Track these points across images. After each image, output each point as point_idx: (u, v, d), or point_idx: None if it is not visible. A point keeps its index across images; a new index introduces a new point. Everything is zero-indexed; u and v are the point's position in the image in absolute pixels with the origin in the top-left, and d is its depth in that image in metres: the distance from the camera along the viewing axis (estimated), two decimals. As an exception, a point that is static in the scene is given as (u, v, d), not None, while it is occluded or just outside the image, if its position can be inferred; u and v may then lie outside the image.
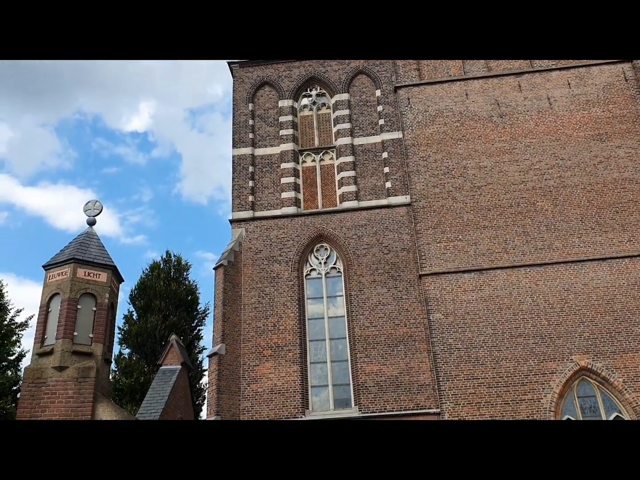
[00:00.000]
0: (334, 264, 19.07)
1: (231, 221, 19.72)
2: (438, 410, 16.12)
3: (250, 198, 19.91)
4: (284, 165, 20.38)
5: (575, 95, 19.81)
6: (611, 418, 15.68)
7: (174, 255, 24.98)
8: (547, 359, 16.31)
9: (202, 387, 23.60)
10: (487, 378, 16.30)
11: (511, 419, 15.53)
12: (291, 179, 20.16)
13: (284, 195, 19.89)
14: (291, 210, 19.64)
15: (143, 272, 24.63)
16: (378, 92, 21.11)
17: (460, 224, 18.51)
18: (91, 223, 10.99)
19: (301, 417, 16.59)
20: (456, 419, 15.89)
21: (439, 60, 20.89)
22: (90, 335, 9.85)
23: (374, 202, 19.48)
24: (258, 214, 19.73)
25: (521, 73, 20.30)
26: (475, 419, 15.79)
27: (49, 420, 8.08)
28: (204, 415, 19.10)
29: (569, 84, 19.92)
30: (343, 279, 18.72)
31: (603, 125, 19.20)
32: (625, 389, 15.68)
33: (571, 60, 19.97)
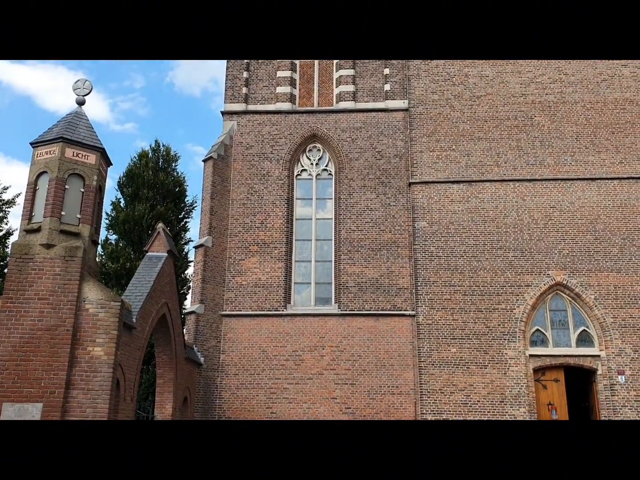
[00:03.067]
0: (326, 165, 18.97)
1: (223, 113, 19.31)
2: (413, 312, 16.77)
3: (244, 90, 19.38)
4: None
5: (589, 6, 18.97)
6: (578, 332, 16.45)
7: (163, 145, 24.58)
8: (524, 272, 16.80)
9: (188, 277, 24.11)
10: (463, 286, 16.84)
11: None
12: (288, 73, 19.56)
13: (279, 90, 19.38)
14: (286, 106, 19.21)
15: (132, 160, 24.38)
16: (384, -13, 19.99)
17: (455, 134, 18.32)
18: (80, 103, 10.72)
19: (283, 310, 17.19)
20: (429, 322, 16.58)
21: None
22: (78, 216, 9.92)
23: (371, 105, 19.08)
24: (251, 107, 19.30)
25: (536, -22, 19.27)
26: (448, 324, 16.49)
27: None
28: (188, 303, 19.69)
29: (584, -7, 19.04)
30: (333, 182, 18.71)
31: (613, 41, 18.56)
32: (596, 306, 16.34)
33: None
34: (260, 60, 19.71)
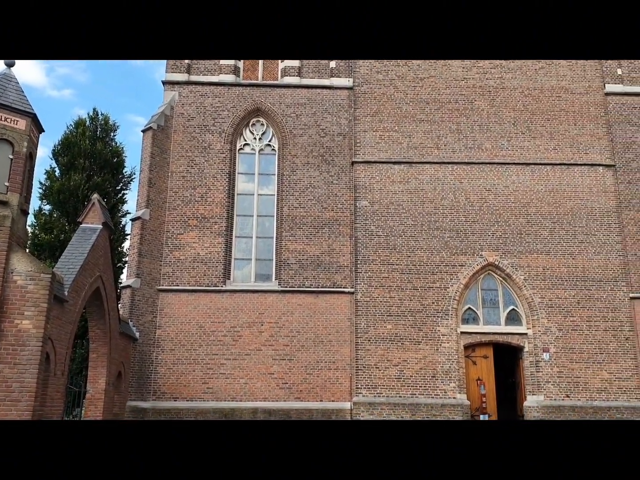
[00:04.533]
0: (269, 141, 18.80)
1: (164, 83, 18.76)
2: (352, 290, 17.03)
3: (187, 60, 18.84)
4: (225, 30, 19.19)
5: (530, -5, 19.44)
6: (507, 311, 17.16)
7: (102, 114, 23.67)
8: (459, 253, 17.32)
9: (125, 251, 23.51)
10: (401, 265, 17.20)
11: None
12: (232, 46, 19.13)
13: (223, 61, 18.95)
14: (229, 78, 18.85)
15: (68, 128, 23.36)
16: (333, -38, 19.81)
17: (398, 115, 18.51)
18: (9, 65, 10.16)
19: (222, 286, 17.07)
20: (367, 299, 16.89)
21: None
22: (6, 184, 9.47)
23: (316, 81, 18.98)
24: (193, 78, 18.82)
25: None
26: (385, 301, 16.85)
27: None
28: (124, 277, 19.23)
29: (526, -18, 19.47)
30: (277, 158, 18.59)
31: (551, 30, 19.13)
32: (525, 286, 17.06)
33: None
34: (204, 30, 19.16)
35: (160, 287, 16.97)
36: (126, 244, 23.37)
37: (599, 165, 17.95)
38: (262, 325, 16.80)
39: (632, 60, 18.92)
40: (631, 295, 16.93)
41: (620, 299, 16.93)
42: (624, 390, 16.30)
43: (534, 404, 16.22)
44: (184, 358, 16.51)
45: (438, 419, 15.74)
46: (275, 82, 19.04)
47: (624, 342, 16.64)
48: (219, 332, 16.75)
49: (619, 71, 18.81)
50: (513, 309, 17.21)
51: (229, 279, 17.41)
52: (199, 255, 17.30)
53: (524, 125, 18.33)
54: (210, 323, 16.81)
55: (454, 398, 16.13)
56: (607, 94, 18.55)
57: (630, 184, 17.82)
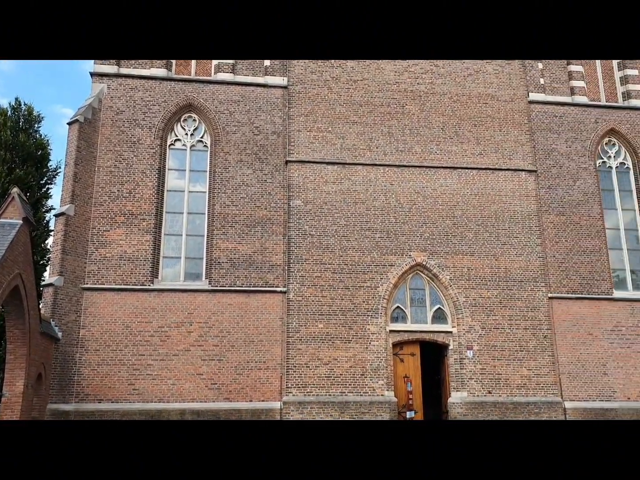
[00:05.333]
0: (201, 137, 18.49)
1: (92, 74, 18.10)
2: (285, 289, 17.03)
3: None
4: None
5: (460, 4, 20.06)
6: (434, 310, 17.65)
7: (25, 104, 22.55)
8: (389, 253, 17.66)
9: (49, 248, 22.52)
10: (333, 264, 17.36)
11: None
12: (164, 39, 18.69)
13: (155, 55, 18.47)
14: (161, 72, 18.41)
15: (-14, 117, 22.08)
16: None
17: (332, 116, 18.67)
18: None
19: (150, 285, 16.66)
20: (299, 298, 16.94)
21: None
22: None
23: (250, 79, 18.84)
24: (124, 70, 18.26)
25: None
26: (317, 300, 16.96)
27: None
28: (47, 275, 18.44)
29: (456, -9, 20.07)
30: (209, 154, 18.31)
31: (479, 39, 19.81)
32: (450, 286, 17.61)
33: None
34: (135, 21, 18.64)
35: (85, 285, 16.37)
36: (50, 240, 22.41)
37: (522, 170, 18.77)
38: (191, 325, 16.53)
39: (554, 71, 19.91)
40: (549, 295, 17.81)
41: (539, 299, 17.77)
42: (542, 387, 17.12)
43: (458, 400, 16.77)
44: (109, 359, 16.00)
45: (366, 416, 16.00)
46: (209, 77, 18.76)
47: (543, 340, 17.48)
48: (146, 332, 16.35)
49: (542, 81, 19.73)
50: (439, 308, 17.72)
51: (157, 278, 17.01)
52: (126, 253, 16.81)
53: (452, 130, 18.91)
54: (137, 323, 16.38)
55: (382, 395, 16.44)
56: (531, 102, 19.42)
57: (550, 189, 18.73)
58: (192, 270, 17.48)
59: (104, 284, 16.45)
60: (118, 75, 18.13)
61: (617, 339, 17.73)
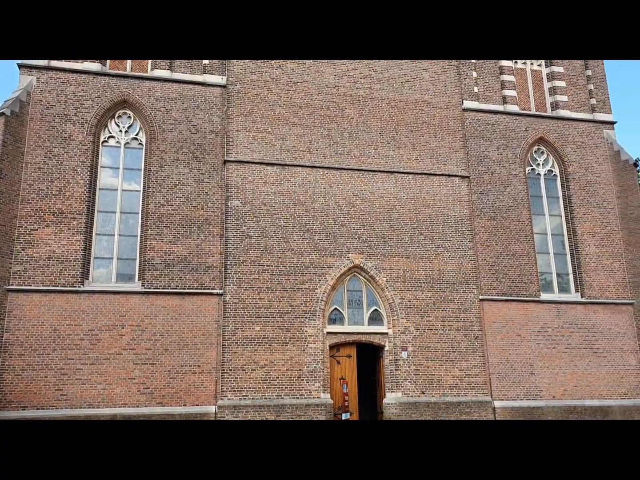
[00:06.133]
0: (136, 134, 17.99)
1: (20, 66, 17.27)
2: (221, 291, 16.80)
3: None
4: (91, 15, 18.11)
5: (399, 10, 20.41)
6: (371, 311, 17.87)
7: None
8: (327, 255, 17.74)
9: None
10: (271, 266, 17.28)
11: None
12: (98, 32, 18.08)
13: (88, 48, 17.85)
14: (95, 66, 17.79)
15: None
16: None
17: (272, 117, 18.58)
18: None
19: (79, 287, 16.07)
20: (236, 301, 16.77)
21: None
22: None
23: (188, 77, 18.49)
24: (55, 63, 17.52)
25: (355, -25, 20.16)
26: (255, 302, 16.83)
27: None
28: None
29: None
30: (144, 152, 17.84)
31: (417, 46, 20.22)
32: (387, 287, 17.87)
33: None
34: (67, 12, 17.96)
35: (10, 287, 15.60)
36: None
37: (455, 176, 19.28)
38: (123, 328, 16.05)
39: (487, 80, 20.56)
40: (480, 297, 18.37)
41: (470, 301, 18.30)
42: (473, 386, 17.64)
43: (393, 400, 17.04)
44: (35, 364, 15.32)
45: (302, 419, 16.01)
46: (145, 74, 18.28)
47: (474, 341, 18.01)
48: (76, 335, 15.76)
49: (476, 89, 20.33)
50: (376, 310, 17.95)
51: (88, 279, 16.43)
52: (54, 253, 16.14)
53: (389, 135, 19.21)
54: (65, 326, 15.76)
55: (318, 398, 16.49)
56: (465, 110, 19.98)
57: (482, 194, 19.32)
58: (124, 271, 16.99)
59: (30, 285, 15.73)
60: (48, 68, 17.39)
61: (544, 339, 18.50)
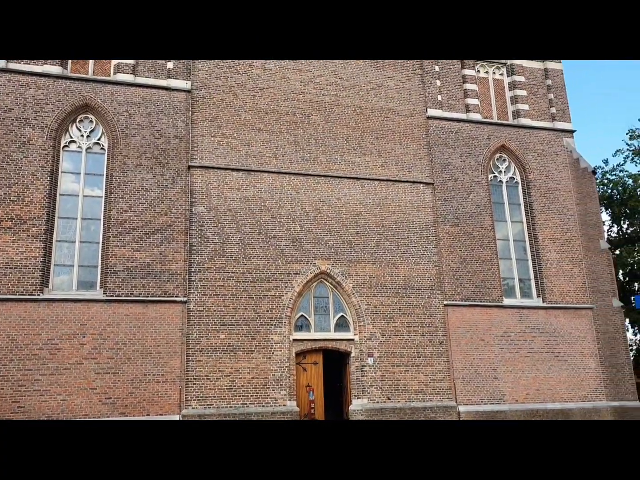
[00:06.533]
0: (98, 139, 17.65)
1: (-24, 68, 16.79)
2: (185, 299, 16.58)
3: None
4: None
5: (365, 18, 20.56)
6: (337, 317, 17.87)
7: None
8: (293, 261, 17.68)
9: None
10: (237, 273, 17.13)
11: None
12: (58, 35, 17.69)
13: (48, 51, 17.44)
14: (55, 69, 17.40)
15: None
16: (173, -40, 19.24)
17: (237, 122, 18.46)
18: None
19: (39, 295, 15.64)
20: (201, 308, 16.56)
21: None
22: None
23: (152, 81, 18.24)
24: (13, 65, 17.09)
25: (320, -18, 20.23)
26: (219, 310, 16.65)
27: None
28: None
29: (361, 5, 20.54)
30: (106, 157, 17.51)
31: (382, 54, 20.39)
32: (353, 294, 17.91)
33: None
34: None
35: (-36, 296, 15.10)
36: None
37: (420, 182, 19.47)
38: (84, 337, 15.68)
39: (451, 88, 20.86)
40: (445, 302, 18.57)
41: (435, 306, 18.48)
42: (438, 391, 17.79)
43: (359, 407, 17.05)
44: (-10, 375, 14.83)
45: (268, 426, 15.86)
46: (108, 78, 17.96)
47: (439, 346, 18.18)
48: (34, 345, 15.32)
49: (440, 97, 20.61)
50: (342, 316, 17.96)
51: (48, 287, 16.00)
52: (12, 260, 15.67)
53: (355, 142, 19.30)
54: (23, 335, 15.31)
55: (284, 405, 16.39)
56: (429, 118, 20.22)
57: (446, 201, 19.57)
58: (86, 278, 16.61)
59: (-14, 294, 15.24)
60: (6, 70, 16.94)
61: (507, 344, 18.80)
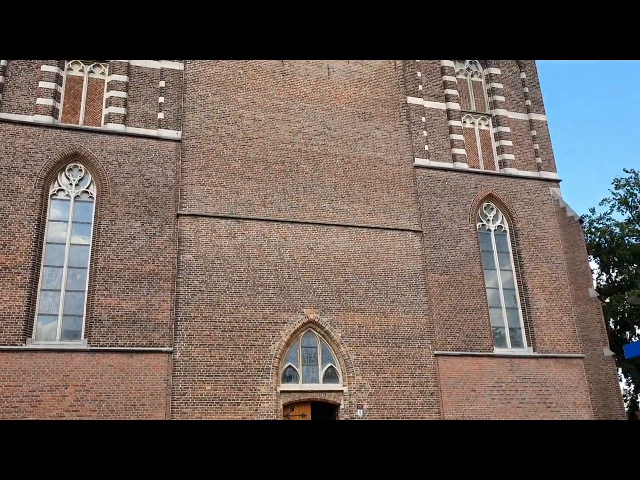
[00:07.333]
0: (87, 187, 17.68)
1: (-33, 117, 16.93)
2: (171, 349, 16.27)
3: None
4: (45, 68, 18.07)
5: (352, 71, 21.10)
6: (326, 368, 17.56)
7: None
8: (281, 310, 17.50)
9: None
10: (224, 322, 16.90)
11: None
12: (51, 85, 17.97)
13: (40, 101, 17.69)
14: (45, 119, 17.57)
15: None
16: (166, 15, 19.79)
17: (227, 171, 18.60)
18: None
19: (21, 345, 15.31)
20: (186, 359, 16.24)
21: (235, 1, 20.40)
22: None
23: (142, 131, 18.44)
24: (3, 115, 17.25)
25: (309, 36, 20.80)
26: (206, 360, 16.34)
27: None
28: None
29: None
30: (95, 206, 17.50)
31: (369, 105, 20.84)
32: (342, 343, 17.66)
33: (355, 37, 21.22)
34: (20, 67, 17.87)
35: (-57, 346, 14.75)
36: None
37: (408, 230, 19.54)
38: (67, 388, 15.27)
39: (437, 138, 21.21)
40: (435, 352, 18.33)
41: (425, 356, 18.23)
42: (429, 443, 17.32)
43: (348, 460, 16.53)
44: (-34, 429, 14.32)
45: (254, 482, 15.34)
46: (98, 127, 18.14)
47: (429, 397, 17.83)
48: (15, 397, 14.89)
49: (426, 147, 20.92)
50: (331, 366, 17.66)
51: (31, 337, 15.69)
52: (-5, 309, 15.40)
53: (344, 190, 19.45)
54: (4, 387, 14.90)
55: (271, 459, 15.86)
56: (416, 167, 20.47)
57: (435, 249, 19.59)
58: (70, 328, 16.34)
59: (-34, 345, 14.90)
60: (-3, 120, 17.09)
61: (498, 394, 18.48)
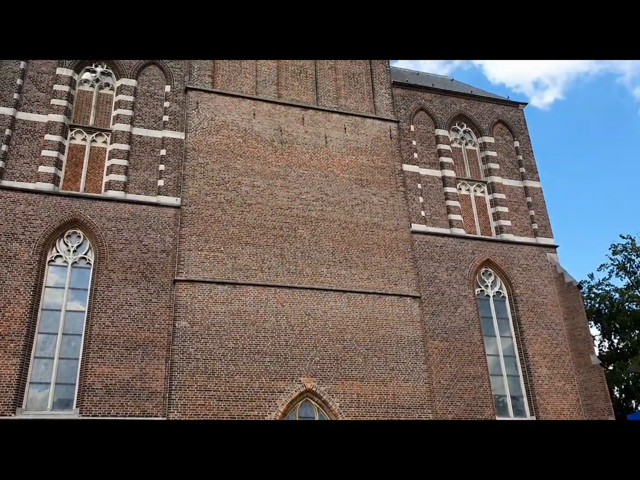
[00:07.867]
0: (85, 253, 17.71)
1: (-32, 184, 17.17)
2: (164, 419, 15.81)
3: (0, 164, 17.60)
4: (48, 137, 18.48)
5: (348, 140, 21.60)
6: (323, 438, 16.98)
7: None
8: (278, 378, 17.12)
9: None
10: (219, 391, 16.50)
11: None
12: (54, 153, 18.33)
13: (42, 169, 17.99)
14: (47, 187, 17.82)
15: None
16: (168, 88, 20.47)
17: (225, 236, 18.69)
18: None
19: (10, 415, 14.87)
20: (180, 429, 15.74)
21: (235, 72, 21.17)
22: None
23: (142, 197, 18.66)
24: (5, 183, 17.50)
25: (307, 107, 21.48)
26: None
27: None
28: None
29: (345, 128, 21.67)
30: (92, 272, 17.46)
31: (366, 172, 21.22)
32: (340, 413, 17.18)
33: (351, 108, 21.93)
34: (24, 136, 18.30)
35: None
36: None
37: (407, 296, 19.43)
38: (54, 461, 14.70)
39: (433, 204, 21.47)
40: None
41: (426, 426, 17.69)
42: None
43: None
44: (-53, 506, 13.69)
45: None
46: (98, 194, 18.37)
47: (431, 468, 17.17)
48: None
49: (423, 213, 21.15)
50: (329, 437, 17.07)
51: (21, 407, 15.27)
52: (-15, 378, 15.06)
53: (341, 255, 19.49)
54: (-11, 460, 14.32)
55: (266, 538, 15.10)
56: (413, 232, 20.61)
57: (434, 315, 19.42)
58: (62, 396, 15.95)
59: (-47, 415, 14.48)
60: (-2, 187, 17.33)
61: (502, 466, 17.80)
